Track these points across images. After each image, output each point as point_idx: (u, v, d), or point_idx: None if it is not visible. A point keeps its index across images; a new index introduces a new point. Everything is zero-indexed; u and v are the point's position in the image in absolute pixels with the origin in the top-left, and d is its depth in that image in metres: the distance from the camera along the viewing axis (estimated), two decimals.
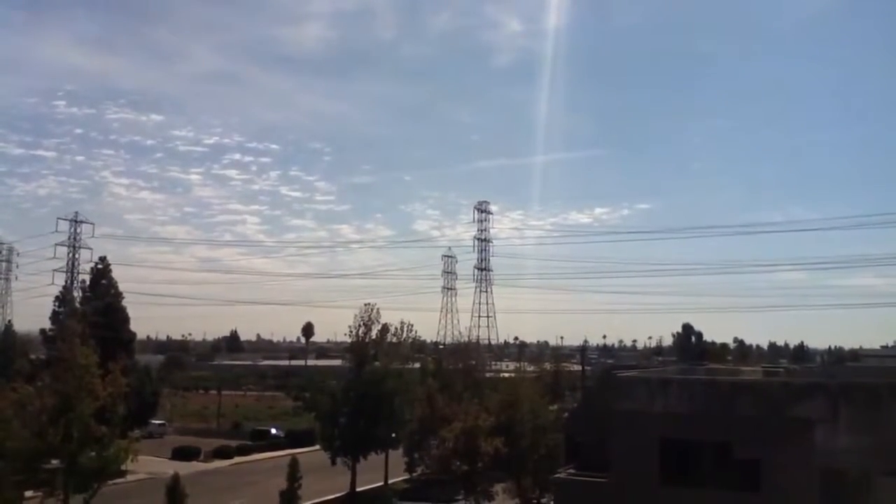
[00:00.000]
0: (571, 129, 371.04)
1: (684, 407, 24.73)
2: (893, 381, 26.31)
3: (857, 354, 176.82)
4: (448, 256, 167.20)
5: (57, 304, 76.38)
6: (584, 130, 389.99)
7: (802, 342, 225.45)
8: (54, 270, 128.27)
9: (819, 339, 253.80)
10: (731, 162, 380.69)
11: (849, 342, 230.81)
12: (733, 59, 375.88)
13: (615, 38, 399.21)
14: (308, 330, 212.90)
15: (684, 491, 23.92)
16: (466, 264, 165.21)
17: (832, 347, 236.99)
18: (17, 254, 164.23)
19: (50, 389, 35.96)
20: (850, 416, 22.59)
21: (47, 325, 75.24)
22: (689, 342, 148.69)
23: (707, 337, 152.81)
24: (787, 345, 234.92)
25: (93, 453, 35.51)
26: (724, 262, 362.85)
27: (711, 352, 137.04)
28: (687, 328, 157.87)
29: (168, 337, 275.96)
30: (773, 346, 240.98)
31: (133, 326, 74.10)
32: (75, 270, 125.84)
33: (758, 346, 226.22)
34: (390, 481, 58.32)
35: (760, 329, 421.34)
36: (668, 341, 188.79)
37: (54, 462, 35.79)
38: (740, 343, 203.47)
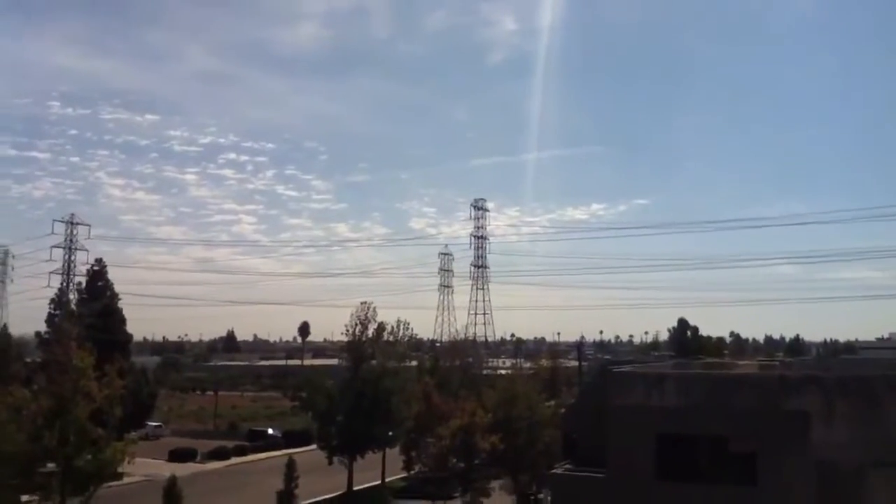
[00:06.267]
0: (567, 125, 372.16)
1: (680, 401, 24.75)
2: (889, 373, 26.38)
3: (852, 347, 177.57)
4: (445, 254, 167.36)
5: (53, 306, 75.98)
6: (579, 127, 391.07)
7: (798, 335, 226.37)
8: (50, 273, 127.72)
9: (814, 332, 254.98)
10: (726, 157, 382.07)
11: (844, 335, 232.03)
12: (726, 56, 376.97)
13: (609, 36, 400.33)
14: (304, 329, 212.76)
15: (681, 485, 23.96)
16: (463, 262, 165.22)
17: (828, 340, 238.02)
18: (13, 256, 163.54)
19: (45, 392, 35.72)
20: (845, 409, 22.63)
21: (43, 327, 74.92)
22: (684, 337, 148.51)
23: (703, 331, 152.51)
24: (782, 338, 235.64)
25: (89, 456, 35.32)
26: (719, 257, 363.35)
27: (708, 346, 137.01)
28: (682, 323, 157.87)
29: (164, 338, 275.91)
30: (769, 339, 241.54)
31: (129, 328, 73.87)
32: (71, 272, 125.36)
33: (754, 340, 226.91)
34: (387, 480, 58.30)
35: (756, 323, 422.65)
36: (664, 336, 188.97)
37: (50, 465, 35.63)
38: (736, 337, 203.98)
